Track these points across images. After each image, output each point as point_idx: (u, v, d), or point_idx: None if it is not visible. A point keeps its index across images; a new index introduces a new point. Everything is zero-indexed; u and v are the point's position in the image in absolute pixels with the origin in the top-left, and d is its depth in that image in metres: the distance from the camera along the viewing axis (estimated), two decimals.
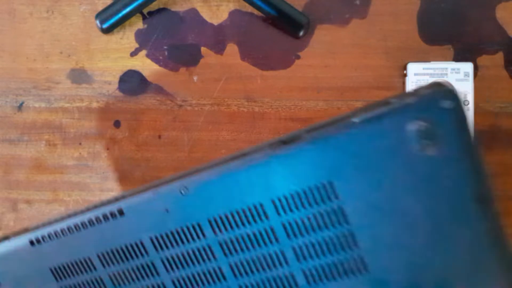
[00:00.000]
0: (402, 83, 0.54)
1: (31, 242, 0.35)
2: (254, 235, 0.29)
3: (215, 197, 0.29)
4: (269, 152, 0.28)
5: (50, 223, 0.34)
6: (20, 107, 0.53)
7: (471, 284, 0.26)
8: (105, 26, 0.52)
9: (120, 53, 0.53)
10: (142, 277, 0.33)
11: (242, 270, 0.30)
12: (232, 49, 0.53)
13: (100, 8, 0.53)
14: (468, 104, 0.53)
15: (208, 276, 0.31)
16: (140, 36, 0.53)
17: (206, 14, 0.54)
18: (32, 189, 0.53)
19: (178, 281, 0.32)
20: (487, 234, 0.25)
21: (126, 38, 0.53)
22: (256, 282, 0.30)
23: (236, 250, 0.30)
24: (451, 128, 0.24)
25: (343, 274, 0.28)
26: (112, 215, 0.32)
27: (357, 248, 0.27)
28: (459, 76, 0.53)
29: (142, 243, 0.32)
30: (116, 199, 0.32)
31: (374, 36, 0.54)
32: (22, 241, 0.35)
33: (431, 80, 0.52)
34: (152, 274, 0.33)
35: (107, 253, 0.33)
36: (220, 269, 0.31)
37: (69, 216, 0.33)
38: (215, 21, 0.54)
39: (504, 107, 0.54)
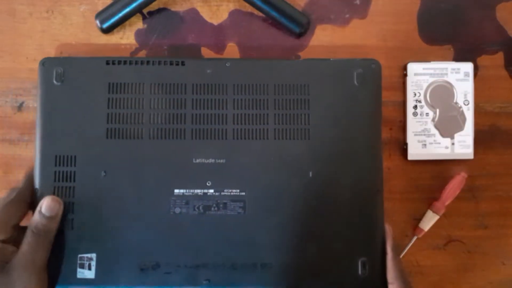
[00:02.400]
0: (402, 83, 0.54)
1: (107, 62, 0.48)
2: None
3: (245, 72, 0.49)
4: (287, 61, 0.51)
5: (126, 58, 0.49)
6: (20, 107, 0.53)
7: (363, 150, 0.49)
8: (105, 26, 0.52)
9: (120, 53, 0.53)
10: (173, 107, 0.48)
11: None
12: (232, 49, 0.53)
13: (100, 8, 0.53)
14: (468, 104, 0.53)
15: (215, 115, 0.48)
16: (140, 36, 0.53)
17: (206, 14, 0.54)
18: None
19: (195, 115, 0.48)
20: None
21: (126, 38, 0.53)
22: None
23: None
24: (371, 75, 0.49)
25: (297, 137, 0.48)
26: (177, 63, 0.48)
27: (309, 125, 0.48)
28: (459, 76, 0.53)
29: (185, 85, 0.48)
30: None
31: (374, 36, 0.54)
32: (100, 60, 0.48)
33: (431, 80, 0.52)
34: (181, 107, 0.48)
35: (157, 84, 0.48)
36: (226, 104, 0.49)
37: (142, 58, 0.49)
38: (215, 21, 0.54)
39: (504, 107, 0.54)
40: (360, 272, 0.46)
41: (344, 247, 0.47)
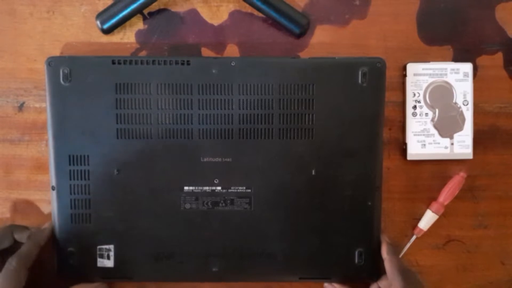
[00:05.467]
0: (402, 83, 0.54)
1: (113, 62, 0.49)
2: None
3: (249, 70, 0.49)
4: (289, 59, 0.51)
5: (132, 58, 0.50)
6: (20, 107, 0.53)
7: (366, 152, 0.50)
8: (105, 26, 0.52)
9: (121, 54, 0.53)
10: (180, 108, 0.49)
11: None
12: (232, 49, 0.54)
13: (100, 8, 0.53)
14: (468, 104, 0.53)
15: (222, 114, 0.49)
16: (141, 37, 0.53)
17: (206, 15, 0.54)
18: (32, 189, 0.53)
19: (202, 115, 0.49)
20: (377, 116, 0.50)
21: (127, 38, 0.53)
22: None
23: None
24: (376, 74, 0.50)
25: (301, 137, 0.49)
26: (182, 63, 0.49)
27: (313, 124, 0.49)
28: (459, 76, 0.53)
29: (191, 85, 0.49)
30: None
31: (374, 36, 0.54)
32: (106, 59, 0.49)
33: (430, 80, 0.53)
34: (188, 108, 0.49)
35: (163, 84, 0.49)
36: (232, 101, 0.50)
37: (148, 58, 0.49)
38: (215, 22, 0.54)
39: (504, 107, 0.55)
40: (356, 261, 0.50)
41: (343, 239, 0.50)
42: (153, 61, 0.49)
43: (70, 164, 0.49)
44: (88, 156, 0.49)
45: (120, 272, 0.50)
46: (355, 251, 0.50)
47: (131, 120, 0.49)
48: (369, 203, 0.50)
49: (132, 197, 0.49)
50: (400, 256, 0.53)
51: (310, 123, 0.49)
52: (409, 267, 0.52)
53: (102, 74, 0.49)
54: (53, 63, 0.49)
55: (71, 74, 0.49)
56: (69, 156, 0.49)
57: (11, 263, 0.45)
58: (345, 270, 0.50)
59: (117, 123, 0.49)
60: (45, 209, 0.53)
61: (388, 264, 0.48)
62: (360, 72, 0.49)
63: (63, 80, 0.48)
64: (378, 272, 0.50)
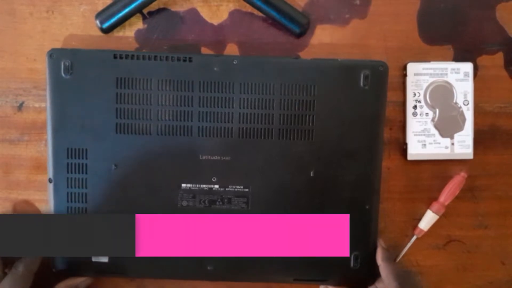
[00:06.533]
0: (402, 83, 0.54)
1: (115, 56, 0.48)
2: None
3: (250, 69, 0.49)
4: (289, 59, 0.50)
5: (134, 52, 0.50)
6: (20, 107, 0.53)
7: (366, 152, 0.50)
8: (105, 26, 0.52)
9: None
10: (180, 105, 0.49)
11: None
12: (232, 48, 0.53)
13: (100, 8, 0.53)
14: (468, 104, 0.53)
15: (222, 112, 0.49)
16: (140, 36, 0.53)
17: (206, 14, 0.54)
18: (32, 189, 0.53)
19: (202, 112, 0.49)
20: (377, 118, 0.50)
21: (126, 37, 0.53)
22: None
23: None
24: (378, 77, 0.50)
25: (301, 138, 0.49)
26: (184, 59, 0.49)
27: (313, 126, 0.49)
28: (459, 76, 0.53)
29: (192, 82, 0.49)
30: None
31: (374, 36, 0.54)
32: (107, 53, 0.49)
33: (431, 80, 0.52)
34: (188, 105, 0.49)
35: (164, 80, 0.49)
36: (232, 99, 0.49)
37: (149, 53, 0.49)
38: (215, 21, 0.54)
39: (504, 107, 0.54)
40: (352, 264, 0.50)
41: None
42: (155, 56, 0.49)
43: (68, 157, 0.49)
44: (86, 150, 0.49)
45: (115, 268, 0.50)
46: (351, 254, 0.50)
47: (131, 115, 0.49)
48: (367, 207, 0.50)
49: (129, 192, 0.49)
50: (401, 256, 0.53)
51: (310, 124, 0.49)
52: (406, 270, 0.53)
53: (103, 67, 0.49)
54: (55, 55, 0.49)
55: (72, 67, 0.48)
56: (68, 149, 0.49)
57: (18, 268, 0.45)
58: (340, 273, 0.50)
59: (116, 118, 0.49)
60: (44, 209, 0.53)
61: (383, 271, 0.48)
62: (362, 75, 0.49)
63: (64, 72, 0.48)
64: (373, 276, 0.50)
